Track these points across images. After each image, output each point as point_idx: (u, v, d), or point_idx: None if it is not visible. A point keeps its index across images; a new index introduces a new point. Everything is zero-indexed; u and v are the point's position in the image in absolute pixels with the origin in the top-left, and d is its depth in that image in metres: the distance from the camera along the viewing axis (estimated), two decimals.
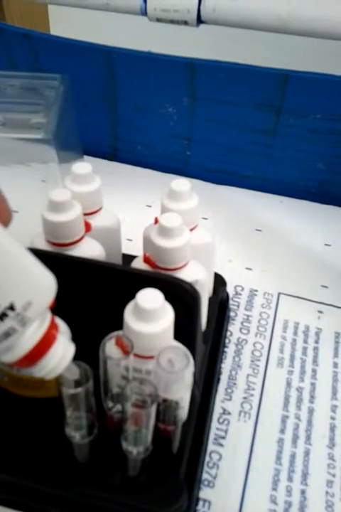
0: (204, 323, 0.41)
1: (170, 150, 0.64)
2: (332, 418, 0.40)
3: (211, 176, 0.64)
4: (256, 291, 0.50)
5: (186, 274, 0.36)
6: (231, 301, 0.49)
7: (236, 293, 0.50)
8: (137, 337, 0.28)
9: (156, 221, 0.39)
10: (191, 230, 0.40)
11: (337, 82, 0.49)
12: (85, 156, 0.66)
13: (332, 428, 0.40)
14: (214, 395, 0.41)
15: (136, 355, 0.29)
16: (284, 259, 0.53)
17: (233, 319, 0.47)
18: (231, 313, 0.48)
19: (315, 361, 0.44)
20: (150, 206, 0.60)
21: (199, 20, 0.50)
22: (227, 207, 0.60)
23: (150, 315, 0.28)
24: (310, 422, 0.40)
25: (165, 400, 0.28)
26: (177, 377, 0.26)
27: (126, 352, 0.28)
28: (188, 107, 0.58)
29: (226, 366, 0.43)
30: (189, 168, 0.64)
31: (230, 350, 0.45)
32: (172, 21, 0.51)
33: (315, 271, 0.52)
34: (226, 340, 0.45)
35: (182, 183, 0.38)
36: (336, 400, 0.41)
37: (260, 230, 0.57)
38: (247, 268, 0.52)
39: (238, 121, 0.57)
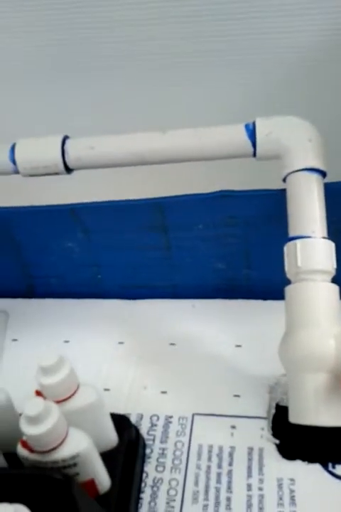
0: (107, 483, 0.41)
1: (82, 277, 0.65)
2: None
3: (126, 292, 0.65)
4: (171, 417, 0.50)
5: (64, 450, 0.36)
6: (147, 436, 0.48)
7: (152, 425, 0.50)
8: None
9: (37, 393, 0.40)
10: (72, 395, 0.40)
11: (205, 199, 0.51)
12: (1, 299, 0.67)
13: None
14: None
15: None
16: (198, 373, 0.53)
17: (149, 457, 0.47)
18: (147, 450, 0.47)
19: (229, 488, 0.44)
20: (67, 342, 0.61)
21: (69, 170, 0.52)
22: (142, 324, 0.61)
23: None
24: None
25: None
26: None
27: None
28: (85, 240, 0.60)
29: None
30: (104, 289, 0.65)
31: (146, 495, 0.44)
32: (46, 174, 0.53)
33: (227, 379, 0.52)
34: (142, 484, 0.45)
35: (50, 358, 0.39)
36: None
37: (174, 344, 0.57)
38: (162, 392, 0.53)
39: (135, 245, 0.59)
